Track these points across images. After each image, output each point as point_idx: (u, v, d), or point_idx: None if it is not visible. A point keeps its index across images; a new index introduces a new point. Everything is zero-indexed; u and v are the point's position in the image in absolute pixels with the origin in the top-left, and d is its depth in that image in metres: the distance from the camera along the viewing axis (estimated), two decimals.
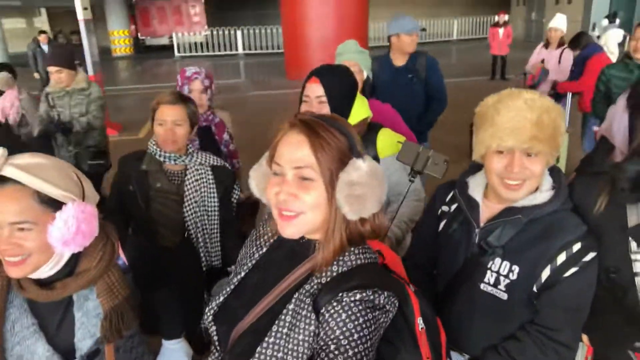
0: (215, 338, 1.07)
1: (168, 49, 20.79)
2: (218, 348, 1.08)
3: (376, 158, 1.82)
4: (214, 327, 1.05)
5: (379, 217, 0.97)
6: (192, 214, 1.99)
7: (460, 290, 1.33)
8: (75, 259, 1.17)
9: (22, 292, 1.15)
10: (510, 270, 1.24)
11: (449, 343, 1.30)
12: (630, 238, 1.23)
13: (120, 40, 21.99)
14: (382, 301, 0.87)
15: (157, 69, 16.84)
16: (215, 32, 19.04)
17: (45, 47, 9.58)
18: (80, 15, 6.88)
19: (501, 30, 10.72)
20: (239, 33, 18.80)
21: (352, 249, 0.95)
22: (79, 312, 1.17)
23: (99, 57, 7.74)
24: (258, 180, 1.03)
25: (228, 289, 1.05)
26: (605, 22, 10.48)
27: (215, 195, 2.03)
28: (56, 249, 1.08)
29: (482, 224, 1.30)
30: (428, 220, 1.50)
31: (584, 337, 1.32)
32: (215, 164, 2.06)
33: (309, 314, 0.88)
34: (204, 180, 2.01)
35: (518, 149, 1.18)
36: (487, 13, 21.60)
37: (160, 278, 1.57)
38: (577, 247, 1.19)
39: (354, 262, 0.93)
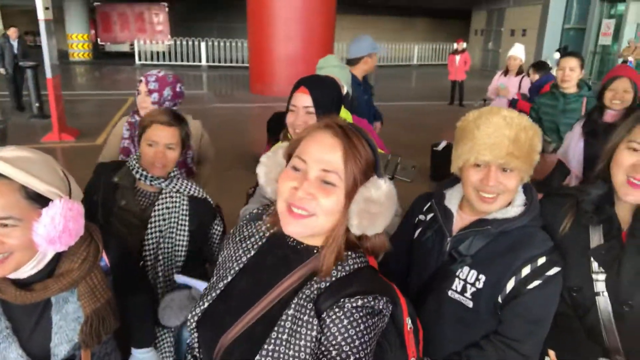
0: (196, 345, 1.03)
1: (129, 56, 20.34)
2: (197, 355, 1.03)
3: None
4: (196, 334, 1.01)
5: (380, 237, 0.98)
6: (152, 244, 1.76)
7: (430, 296, 1.36)
8: (55, 259, 1.12)
9: None
10: (477, 279, 1.27)
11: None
12: (592, 258, 1.27)
13: (79, 44, 21.35)
14: (381, 306, 0.88)
15: (117, 75, 16.43)
16: (179, 42, 18.81)
17: (14, 43, 9.16)
18: (41, 15, 6.62)
19: (458, 57, 11.17)
20: (203, 44, 18.65)
21: (350, 253, 0.95)
22: (57, 315, 1.11)
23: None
24: (270, 168, 0.99)
25: (213, 294, 1.00)
26: (557, 55, 11.10)
27: (186, 228, 1.79)
28: (40, 247, 1.03)
29: (454, 234, 1.33)
30: (404, 228, 1.53)
31: (551, 353, 1.34)
32: (195, 194, 1.84)
33: (310, 319, 0.86)
34: (176, 209, 1.78)
35: (494, 164, 1.21)
36: (446, 40, 22.45)
37: (137, 283, 1.48)
38: (541, 260, 1.22)
39: (352, 267, 0.93)
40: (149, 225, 1.76)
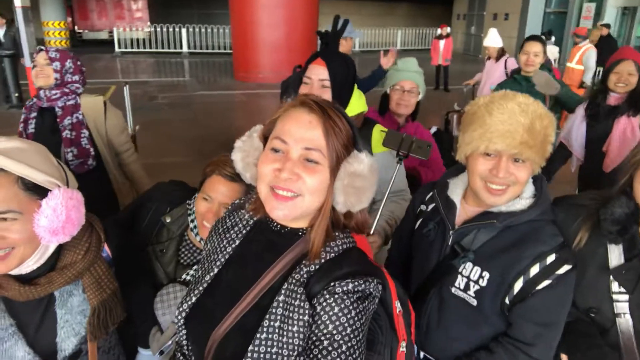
0: (185, 342, 1.00)
1: (107, 43, 19.92)
2: (187, 352, 1.01)
3: (370, 153, 1.75)
4: (184, 331, 0.98)
5: (363, 213, 0.96)
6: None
7: (432, 292, 1.30)
8: (57, 251, 1.08)
9: None
10: (481, 276, 1.20)
11: (418, 345, 1.29)
12: (611, 278, 1.19)
13: (55, 32, 20.79)
14: (371, 289, 0.86)
15: (96, 63, 16.08)
16: (159, 29, 18.45)
17: (0, 31, 8.81)
18: (18, 1, 6.44)
19: (442, 42, 11.16)
20: (184, 31, 18.31)
21: (337, 233, 0.93)
22: (62, 309, 1.09)
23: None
24: (247, 154, 0.96)
25: (200, 288, 0.97)
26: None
27: None
28: (43, 239, 1.00)
29: (457, 227, 1.26)
30: (407, 218, 1.48)
31: (564, 357, 1.26)
32: None
33: (302, 304, 0.85)
34: None
35: (506, 154, 1.13)
36: (428, 25, 22.39)
37: (140, 275, 1.38)
38: (551, 258, 1.14)
39: (340, 247, 0.92)
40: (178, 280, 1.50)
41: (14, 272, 1.04)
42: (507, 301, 1.18)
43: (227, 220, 1.04)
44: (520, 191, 1.20)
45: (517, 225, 1.19)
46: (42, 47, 2.27)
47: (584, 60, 7.34)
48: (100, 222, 1.18)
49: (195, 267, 1.48)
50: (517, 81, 3.34)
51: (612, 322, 1.20)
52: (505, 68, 5.27)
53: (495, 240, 1.21)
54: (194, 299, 0.97)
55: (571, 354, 1.23)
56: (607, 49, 9.55)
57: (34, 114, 2.28)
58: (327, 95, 1.60)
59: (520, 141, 1.11)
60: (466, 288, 1.23)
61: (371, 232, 1.65)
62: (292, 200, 0.87)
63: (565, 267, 1.14)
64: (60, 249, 1.09)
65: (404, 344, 1.00)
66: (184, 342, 1.00)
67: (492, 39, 5.42)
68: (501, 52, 5.42)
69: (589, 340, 1.21)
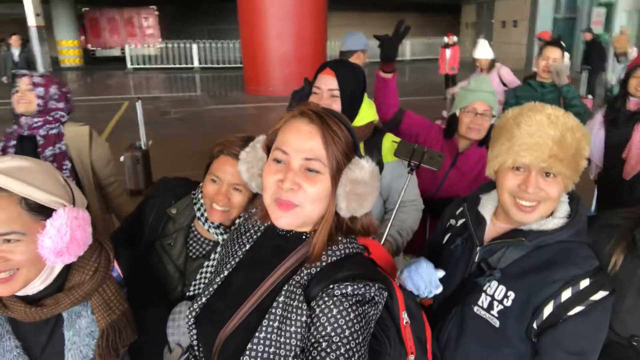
0: (195, 342, 1.02)
1: (120, 60, 20.24)
2: (197, 354, 1.03)
3: (380, 162, 1.78)
4: (194, 331, 1.00)
5: (368, 217, 0.97)
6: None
7: (454, 310, 1.25)
8: (65, 271, 1.06)
9: (4, 311, 1.01)
10: (505, 296, 1.14)
11: None
12: None
13: (69, 50, 21.22)
14: (372, 293, 0.86)
15: (109, 80, 16.35)
16: (170, 45, 18.72)
17: (15, 52, 8.93)
18: (32, 21, 6.60)
19: (448, 51, 11.20)
20: (194, 46, 18.57)
21: (340, 238, 0.95)
22: (70, 330, 1.06)
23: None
24: (251, 165, 0.98)
25: (211, 289, 1.00)
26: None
27: None
28: (48, 260, 0.97)
29: (485, 243, 1.21)
30: (437, 233, 1.45)
31: None
32: None
33: (300, 304, 0.86)
34: None
35: (535, 167, 1.08)
36: (437, 35, 22.43)
37: (151, 296, 1.31)
38: (585, 283, 1.06)
39: (342, 252, 0.92)
40: (191, 288, 1.43)
41: (20, 293, 1.01)
42: (535, 326, 1.11)
43: (242, 227, 1.08)
44: (551, 209, 1.14)
45: (548, 246, 1.13)
46: (26, 72, 2.16)
47: None
48: (110, 242, 1.16)
49: (205, 263, 1.45)
50: (532, 87, 3.27)
51: None
52: (500, 78, 5.11)
53: (525, 259, 1.15)
54: (204, 299, 1.00)
55: None
56: (594, 53, 9.63)
57: (13, 142, 2.15)
58: (337, 104, 1.61)
59: (549, 154, 1.06)
60: (489, 307, 1.17)
61: (382, 242, 1.63)
62: (294, 208, 0.89)
63: (602, 293, 1.06)
64: (68, 269, 1.07)
65: (412, 357, 0.99)
66: (195, 343, 1.02)
67: (483, 51, 5.23)
68: (492, 64, 5.25)
69: None
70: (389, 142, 1.81)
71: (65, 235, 0.96)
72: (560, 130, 1.07)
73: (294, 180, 0.87)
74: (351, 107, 1.65)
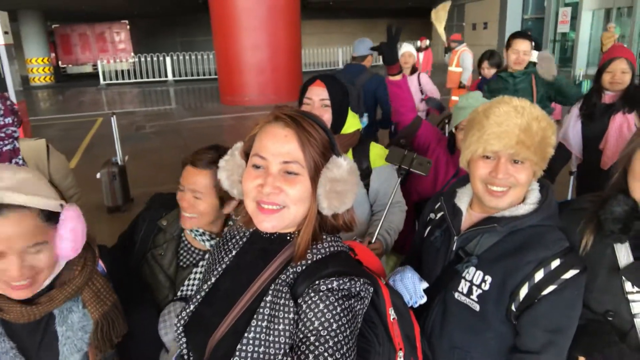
0: (185, 351, 1.02)
1: (92, 77, 19.98)
2: None
3: (368, 168, 1.92)
4: (184, 339, 1.01)
5: (350, 212, 0.99)
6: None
7: (436, 299, 1.30)
8: None
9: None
10: (483, 281, 1.20)
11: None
12: (624, 278, 1.17)
13: (39, 68, 20.84)
14: (357, 288, 0.87)
15: (82, 97, 16.09)
16: (142, 59, 18.54)
17: None
18: (1, 39, 6.47)
19: (421, 55, 11.32)
20: (168, 59, 18.43)
21: (325, 236, 0.96)
22: (63, 326, 1.10)
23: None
24: (231, 172, 1.00)
25: (198, 297, 1.01)
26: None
27: None
28: (64, 258, 1.06)
29: (462, 232, 1.27)
30: (419, 228, 1.50)
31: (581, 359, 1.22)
32: None
33: (287, 302, 0.87)
34: None
35: (504, 155, 1.15)
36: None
37: (139, 292, 1.37)
38: (555, 263, 1.13)
39: (327, 250, 0.94)
40: (179, 293, 1.48)
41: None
42: (513, 308, 1.17)
43: (228, 234, 1.09)
44: (521, 194, 1.21)
45: (520, 230, 1.19)
46: None
47: (460, 62, 7.64)
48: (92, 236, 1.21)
49: (194, 269, 1.51)
50: (503, 79, 3.33)
51: (630, 323, 1.18)
52: (420, 85, 5.05)
53: (499, 245, 1.21)
54: (192, 307, 1.01)
55: (588, 354, 1.20)
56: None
57: None
58: (328, 113, 1.76)
59: (516, 141, 1.13)
60: (469, 292, 1.23)
61: (373, 240, 1.76)
62: (278, 212, 0.91)
63: (572, 272, 1.12)
64: None
65: (401, 353, 1.00)
66: (185, 351, 1.03)
67: (407, 48, 5.17)
68: (414, 68, 5.18)
69: (605, 338, 1.19)
70: (376, 149, 1.97)
71: (79, 234, 1.04)
72: (526, 119, 1.14)
73: (274, 185, 0.89)
74: (340, 116, 1.81)
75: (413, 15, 26.63)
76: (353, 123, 1.91)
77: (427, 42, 11.84)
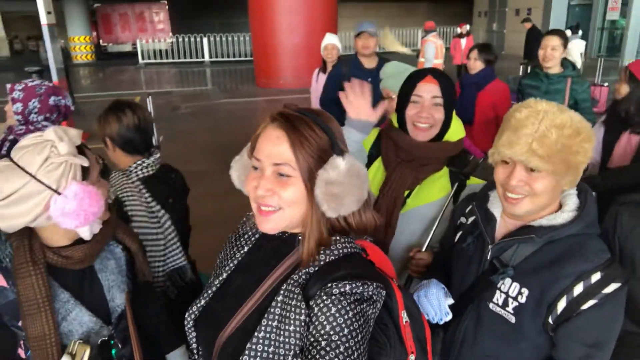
0: (195, 345, 1.03)
1: (131, 55, 20.38)
2: (196, 357, 1.05)
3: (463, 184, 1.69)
4: (193, 334, 1.02)
5: (363, 214, 0.96)
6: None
7: (469, 307, 1.26)
8: None
9: (64, 263, 1.16)
10: (520, 293, 1.15)
11: (451, 358, 1.26)
12: None
13: (81, 47, 21.41)
14: (370, 292, 0.86)
15: (121, 75, 16.47)
16: (180, 39, 18.78)
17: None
18: (44, 19, 6.65)
19: (463, 41, 10.98)
20: (205, 40, 18.60)
21: (338, 238, 0.94)
22: (104, 272, 1.25)
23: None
24: (239, 172, 1.01)
25: (209, 292, 1.02)
26: (569, 32, 10.93)
27: None
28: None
29: (496, 241, 1.22)
30: (448, 232, 1.46)
31: None
32: None
33: (298, 303, 0.85)
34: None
35: (518, 161, 1.11)
36: (448, 24, 22.17)
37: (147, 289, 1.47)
38: (596, 277, 1.07)
39: (340, 252, 0.92)
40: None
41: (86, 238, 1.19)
42: (550, 321, 1.13)
43: (240, 230, 1.09)
44: (542, 203, 1.14)
45: (559, 240, 1.14)
46: (9, 85, 2.17)
47: (424, 53, 7.42)
48: None
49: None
50: (538, 77, 3.25)
51: None
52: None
53: (536, 255, 1.16)
54: (202, 302, 1.01)
55: None
56: (533, 39, 9.66)
57: (11, 136, 2.24)
58: (440, 113, 1.57)
59: (527, 149, 1.08)
60: (504, 304, 1.18)
61: (423, 249, 1.58)
62: (274, 213, 0.91)
63: (613, 286, 1.06)
64: None
65: (412, 357, 0.98)
66: (194, 346, 1.04)
67: (330, 39, 4.34)
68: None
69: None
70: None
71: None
72: (544, 126, 1.07)
73: (266, 187, 0.89)
74: (448, 117, 1.62)
75: (454, 0, 25.94)
76: (459, 130, 1.68)
77: (468, 27, 11.47)
